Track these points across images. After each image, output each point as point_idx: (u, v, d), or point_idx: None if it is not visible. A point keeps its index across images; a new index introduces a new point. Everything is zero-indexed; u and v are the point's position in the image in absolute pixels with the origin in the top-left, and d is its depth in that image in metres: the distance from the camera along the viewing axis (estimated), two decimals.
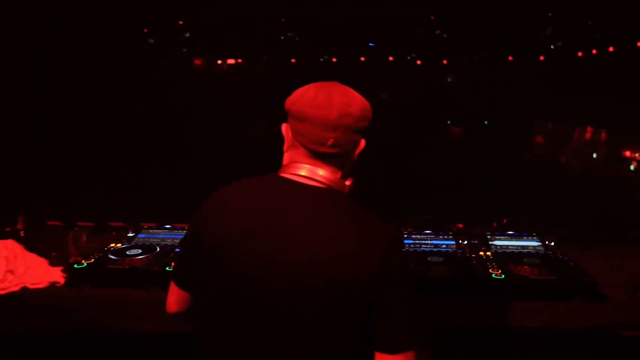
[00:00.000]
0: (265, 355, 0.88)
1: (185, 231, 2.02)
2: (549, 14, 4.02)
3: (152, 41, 4.50)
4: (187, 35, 4.72)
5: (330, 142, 0.88)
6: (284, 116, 0.98)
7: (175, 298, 1.05)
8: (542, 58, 4.32)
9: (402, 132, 4.59)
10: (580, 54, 4.31)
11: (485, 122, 6.02)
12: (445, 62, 4.73)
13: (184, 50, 4.71)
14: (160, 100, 4.34)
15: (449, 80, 4.99)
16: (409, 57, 4.96)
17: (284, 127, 0.98)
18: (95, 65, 3.52)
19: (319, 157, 0.91)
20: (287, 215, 0.86)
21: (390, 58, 5.26)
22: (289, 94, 0.96)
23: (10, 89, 3.00)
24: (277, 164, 1.00)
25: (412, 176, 4.31)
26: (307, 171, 0.91)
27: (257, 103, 5.06)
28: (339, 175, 0.94)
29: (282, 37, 5.00)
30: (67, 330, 1.59)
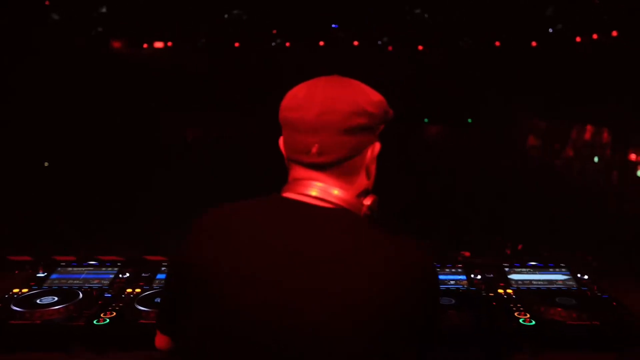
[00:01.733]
0: None
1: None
2: None
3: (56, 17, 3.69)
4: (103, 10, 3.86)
5: (314, 148, 0.73)
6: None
7: (165, 342, 0.88)
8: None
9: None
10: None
11: (469, 120, 5.71)
12: (420, 48, 4.26)
13: (100, 30, 3.88)
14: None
15: (426, 69, 4.51)
16: (379, 42, 4.44)
17: (279, 140, 0.84)
18: None
19: (312, 168, 0.77)
20: (290, 248, 0.70)
21: (356, 43, 4.71)
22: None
23: None
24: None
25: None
26: (314, 192, 0.75)
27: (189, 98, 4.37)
28: (349, 190, 0.78)
29: (225, 15, 4.17)
30: None
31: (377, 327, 0.66)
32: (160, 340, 0.90)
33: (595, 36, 4.11)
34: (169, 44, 4.40)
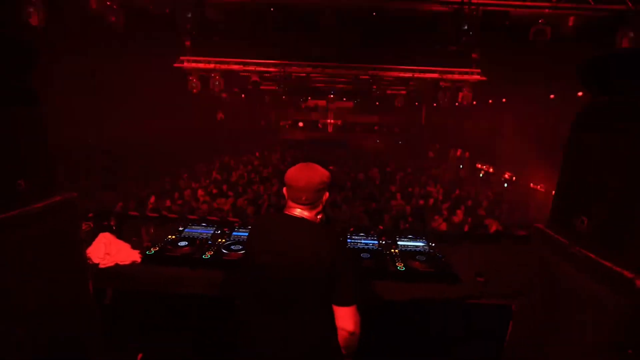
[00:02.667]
0: (283, 310, 1.68)
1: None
2: None
3: None
4: None
5: (303, 198, 1.73)
6: None
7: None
8: None
9: None
10: None
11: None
12: None
13: None
14: None
15: None
16: None
17: (284, 189, 1.82)
18: None
19: (301, 205, 1.75)
20: (289, 234, 1.72)
21: None
22: None
23: None
24: None
25: None
26: (298, 212, 1.77)
27: None
28: (313, 213, 1.78)
29: None
30: (141, 290, 2.62)
31: (318, 263, 1.61)
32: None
33: None
34: None
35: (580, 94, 8.39)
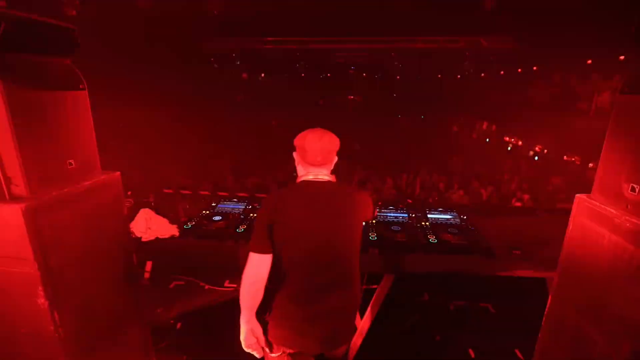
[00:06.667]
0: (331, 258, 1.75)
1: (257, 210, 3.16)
2: None
3: None
4: None
5: (320, 158, 1.78)
6: None
7: (263, 267, 1.72)
8: None
9: None
10: None
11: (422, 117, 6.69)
12: None
13: None
14: None
15: None
16: None
17: (294, 154, 1.87)
18: None
19: (319, 166, 1.80)
20: (320, 197, 1.76)
21: None
22: None
23: None
24: None
25: None
26: (322, 176, 1.81)
27: None
28: (333, 176, 1.84)
29: None
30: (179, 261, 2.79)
31: (357, 218, 1.78)
32: (257, 261, 1.72)
33: None
34: None
35: (621, 57, 7.97)
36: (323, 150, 1.76)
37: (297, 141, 1.81)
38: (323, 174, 1.80)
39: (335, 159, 1.86)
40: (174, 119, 10.50)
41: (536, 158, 11.36)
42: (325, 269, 1.72)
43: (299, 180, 1.83)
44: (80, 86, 1.94)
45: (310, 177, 1.79)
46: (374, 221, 2.88)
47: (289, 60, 14.81)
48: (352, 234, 1.77)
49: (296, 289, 1.74)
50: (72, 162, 1.92)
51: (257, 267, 1.71)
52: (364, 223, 1.88)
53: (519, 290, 2.59)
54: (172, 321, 3.30)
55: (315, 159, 1.76)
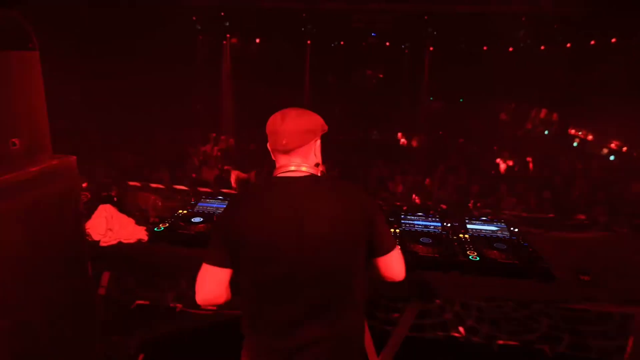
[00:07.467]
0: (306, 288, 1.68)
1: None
2: None
3: None
4: None
5: (284, 142, 1.71)
6: None
7: (215, 283, 1.75)
8: None
9: None
10: None
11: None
12: None
13: None
14: None
15: None
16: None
17: (267, 145, 1.84)
18: None
19: (284, 152, 1.74)
20: (292, 202, 1.67)
21: None
22: None
23: None
24: None
25: None
26: (294, 168, 1.74)
27: None
28: (310, 163, 1.76)
29: None
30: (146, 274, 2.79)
31: (350, 226, 1.67)
32: (211, 284, 1.75)
33: None
34: None
35: None
36: (289, 131, 1.73)
37: (266, 126, 1.82)
38: (296, 165, 1.75)
39: (316, 143, 1.83)
40: (144, 91, 10.56)
41: (612, 157, 11.21)
42: (301, 295, 1.70)
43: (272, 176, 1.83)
44: (30, 45, 1.95)
45: (280, 173, 1.78)
46: (397, 230, 2.88)
47: (292, 23, 14.79)
48: (341, 248, 1.70)
49: (264, 320, 1.75)
50: (16, 142, 1.93)
51: (211, 283, 1.76)
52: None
53: (585, 328, 2.57)
54: (132, 352, 3.32)
55: (280, 142, 1.74)
